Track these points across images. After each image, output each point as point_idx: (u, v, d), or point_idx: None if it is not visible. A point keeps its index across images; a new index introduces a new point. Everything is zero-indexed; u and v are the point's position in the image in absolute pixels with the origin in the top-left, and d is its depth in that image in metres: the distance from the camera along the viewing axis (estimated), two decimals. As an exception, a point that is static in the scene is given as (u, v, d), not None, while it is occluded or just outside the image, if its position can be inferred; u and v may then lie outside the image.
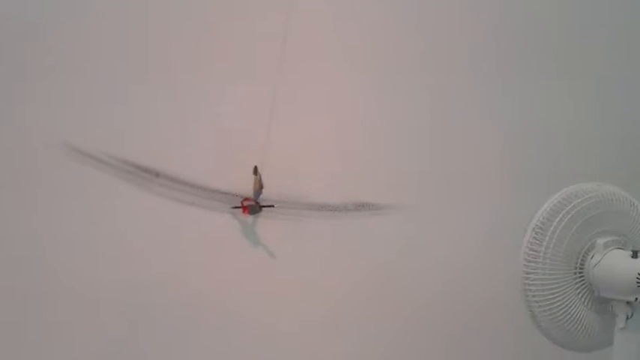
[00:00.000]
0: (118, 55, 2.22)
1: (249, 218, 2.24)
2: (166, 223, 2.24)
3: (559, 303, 1.51)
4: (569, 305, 1.51)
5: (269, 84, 2.25)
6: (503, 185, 2.35)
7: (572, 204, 1.54)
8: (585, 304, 1.53)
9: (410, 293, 2.35)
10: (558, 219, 1.53)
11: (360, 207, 2.30)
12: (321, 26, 2.28)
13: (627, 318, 1.48)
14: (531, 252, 1.51)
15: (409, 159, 2.35)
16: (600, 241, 1.54)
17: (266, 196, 2.25)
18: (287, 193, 2.27)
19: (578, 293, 1.53)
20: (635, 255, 1.48)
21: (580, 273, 1.54)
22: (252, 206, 2.21)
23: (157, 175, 2.22)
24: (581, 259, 1.54)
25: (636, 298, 1.46)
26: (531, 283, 1.50)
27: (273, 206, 2.18)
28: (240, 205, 2.21)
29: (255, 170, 2.19)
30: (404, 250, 2.31)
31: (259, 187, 2.20)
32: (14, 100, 2.17)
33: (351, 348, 2.31)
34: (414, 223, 2.32)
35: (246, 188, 2.25)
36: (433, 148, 2.33)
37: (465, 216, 2.31)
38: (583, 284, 1.54)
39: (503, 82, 2.38)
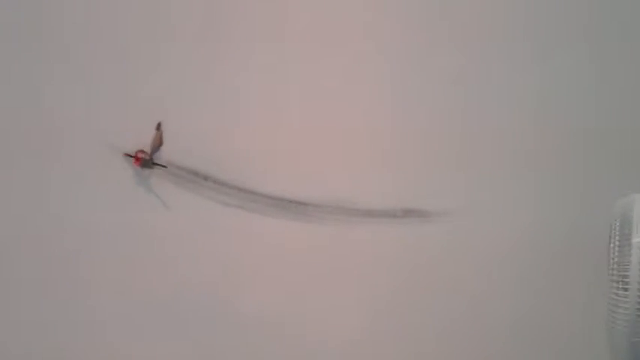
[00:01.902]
0: (131, 39, 2.24)
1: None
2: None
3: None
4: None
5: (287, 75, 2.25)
6: (552, 188, 2.26)
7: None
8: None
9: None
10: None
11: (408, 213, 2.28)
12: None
13: None
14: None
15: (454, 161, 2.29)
16: None
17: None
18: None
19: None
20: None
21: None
22: (145, 160, 2.17)
23: (206, 178, 2.25)
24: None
25: None
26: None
27: (165, 167, 2.14)
28: (133, 154, 2.18)
29: (159, 126, 2.16)
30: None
31: (159, 144, 2.18)
32: (65, 98, 2.22)
33: None
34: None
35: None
36: (477, 148, 2.26)
37: (512, 221, 2.24)
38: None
39: (546, 71, 2.28)
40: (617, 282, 1.30)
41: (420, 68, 2.31)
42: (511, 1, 2.29)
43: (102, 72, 2.24)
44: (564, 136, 2.25)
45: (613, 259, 1.31)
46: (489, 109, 2.29)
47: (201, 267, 2.24)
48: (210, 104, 2.29)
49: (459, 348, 2.28)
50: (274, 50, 2.32)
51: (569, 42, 2.27)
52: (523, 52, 2.28)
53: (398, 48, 2.31)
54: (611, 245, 1.34)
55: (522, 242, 2.25)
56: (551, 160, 2.27)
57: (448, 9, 2.30)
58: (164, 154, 2.23)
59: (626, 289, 1.26)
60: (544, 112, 2.25)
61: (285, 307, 2.27)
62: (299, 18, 2.31)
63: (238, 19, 2.29)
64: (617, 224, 1.36)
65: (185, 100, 2.28)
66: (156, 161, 2.24)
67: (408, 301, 2.28)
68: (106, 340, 2.26)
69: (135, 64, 2.26)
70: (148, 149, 2.25)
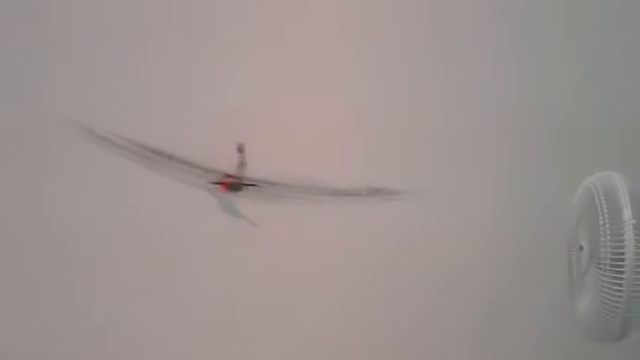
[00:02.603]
0: (130, 34, 2.17)
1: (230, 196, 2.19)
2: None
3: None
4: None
5: (278, 62, 2.22)
6: (524, 167, 2.32)
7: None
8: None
9: (417, 287, 2.32)
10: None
11: (373, 192, 2.29)
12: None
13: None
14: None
15: (425, 141, 2.32)
16: None
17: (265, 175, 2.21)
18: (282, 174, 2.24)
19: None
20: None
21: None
22: (233, 183, 2.13)
23: (170, 157, 2.20)
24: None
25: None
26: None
27: (255, 185, 2.12)
28: (219, 181, 2.14)
29: (241, 148, 2.13)
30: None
31: (242, 165, 2.14)
32: (23, 78, 2.13)
33: (358, 343, 2.30)
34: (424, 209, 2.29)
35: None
36: (449, 130, 2.30)
37: (483, 200, 2.29)
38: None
39: (523, 56, 2.33)
40: (609, 259, 1.34)
41: (399, 54, 2.32)
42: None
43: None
44: (535, 117, 2.31)
45: (604, 237, 1.35)
46: (466, 90, 2.32)
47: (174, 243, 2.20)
48: (183, 89, 2.24)
49: (432, 323, 2.33)
50: (248, 40, 2.28)
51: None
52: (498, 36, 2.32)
53: (381, 37, 2.30)
54: (601, 223, 1.37)
55: (493, 221, 2.31)
56: (522, 140, 2.33)
57: (434, 9, 2.31)
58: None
59: (620, 267, 1.31)
60: (519, 96, 2.30)
61: (256, 288, 2.26)
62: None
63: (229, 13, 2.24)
64: (604, 203, 1.39)
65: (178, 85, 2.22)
66: (245, 182, 2.16)
67: (376, 279, 2.30)
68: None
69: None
70: (228, 173, 2.17)
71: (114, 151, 2.10)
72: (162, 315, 2.14)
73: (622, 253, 1.28)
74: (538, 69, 2.24)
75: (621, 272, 1.28)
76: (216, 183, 2.10)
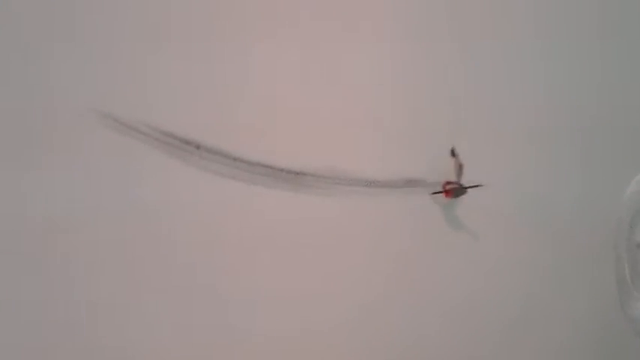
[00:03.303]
0: (158, 17, 2.07)
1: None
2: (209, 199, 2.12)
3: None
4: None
5: (308, 50, 2.13)
6: (567, 162, 2.23)
7: None
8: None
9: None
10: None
11: (409, 183, 2.20)
12: None
13: None
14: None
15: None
16: None
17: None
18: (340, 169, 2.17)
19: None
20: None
21: None
22: (456, 189, 2.08)
23: (199, 147, 2.11)
24: None
25: None
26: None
27: (479, 185, 2.06)
28: (441, 189, 2.09)
29: (453, 152, 2.07)
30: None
31: (460, 168, 2.08)
32: (40, 61, 2.03)
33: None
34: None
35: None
36: (491, 124, 2.21)
37: (523, 196, 2.20)
38: None
39: (563, 52, 2.24)
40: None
41: (423, 49, 2.22)
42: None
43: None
44: (570, 112, 2.22)
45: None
46: (497, 79, 2.23)
47: (197, 238, 2.12)
48: (208, 75, 2.15)
49: (466, 319, 2.26)
50: (272, 24, 2.19)
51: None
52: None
53: (401, 30, 2.21)
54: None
55: (529, 214, 2.23)
56: (557, 133, 2.24)
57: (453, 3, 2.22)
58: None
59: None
60: (552, 91, 2.21)
61: (285, 283, 2.18)
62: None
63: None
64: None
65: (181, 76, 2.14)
66: (465, 185, 2.11)
67: (414, 272, 2.24)
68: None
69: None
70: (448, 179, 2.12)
71: (141, 140, 2.00)
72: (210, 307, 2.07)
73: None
74: (580, 65, 2.15)
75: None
76: (438, 192, 2.05)
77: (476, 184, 2.05)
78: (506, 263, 2.25)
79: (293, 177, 2.15)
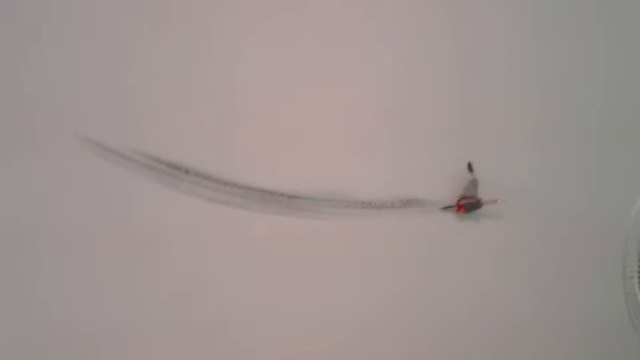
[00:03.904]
0: (144, 41, 2.02)
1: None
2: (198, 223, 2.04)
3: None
4: None
5: (298, 64, 2.09)
6: (578, 169, 2.18)
7: None
8: None
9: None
10: None
11: (406, 203, 2.13)
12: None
13: None
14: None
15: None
16: None
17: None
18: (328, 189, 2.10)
19: None
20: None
21: None
22: (471, 204, 2.01)
23: (187, 171, 2.03)
24: None
25: None
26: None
27: (496, 201, 2.00)
28: (454, 204, 2.02)
29: (470, 167, 2.01)
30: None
31: (475, 183, 2.02)
32: (23, 86, 1.97)
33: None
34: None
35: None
36: (495, 134, 2.15)
37: (530, 210, 2.14)
38: None
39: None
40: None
41: (420, 57, 2.18)
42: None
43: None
44: (581, 113, 2.18)
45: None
46: (497, 94, 2.19)
47: (189, 266, 2.04)
48: (199, 97, 2.09)
49: (467, 342, 2.18)
50: (264, 43, 2.14)
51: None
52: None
53: (398, 37, 2.17)
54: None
55: (530, 234, 2.17)
56: (560, 144, 2.19)
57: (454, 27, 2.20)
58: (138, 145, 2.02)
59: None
60: (562, 92, 2.17)
61: (280, 307, 2.10)
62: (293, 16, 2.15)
63: (228, 12, 2.10)
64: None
65: (174, 93, 2.08)
66: (482, 200, 2.05)
67: (412, 295, 2.16)
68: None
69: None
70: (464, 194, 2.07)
71: (125, 166, 1.92)
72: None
73: None
74: (590, 66, 2.11)
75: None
76: (449, 207, 1.97)
77: (495, 199, 1.99)
78: (511, 279, 2.18)
79: (287, 200, 2.08)
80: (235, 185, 2.04)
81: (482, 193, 2.14)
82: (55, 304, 1.97)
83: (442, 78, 2.17)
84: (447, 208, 2.02)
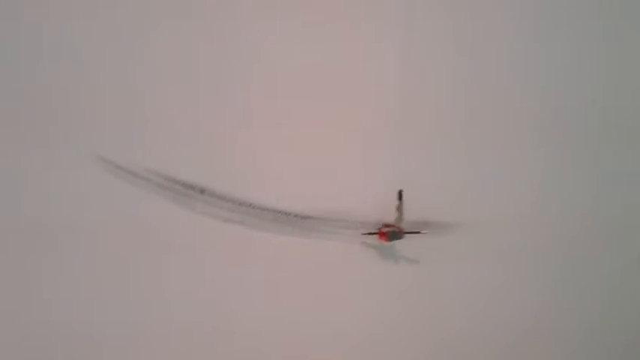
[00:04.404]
0: (158, 60, 2.01)
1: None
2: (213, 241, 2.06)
3: None
4: None
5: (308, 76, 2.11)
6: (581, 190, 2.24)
7: None
8: None
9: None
10: None
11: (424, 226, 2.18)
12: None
13: None
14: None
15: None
16: None
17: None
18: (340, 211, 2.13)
19: None
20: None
21: None
22: (393, 232, 2.01)
23: (203, 192, 2.04)
24: None
25: None
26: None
27: (419, 232, 2.02)
28: (375, 231, 2.03)
29: (400, 195, 2.02)
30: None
31: (401, 212, 2.04)
32: (46, 112, 1.95)
33: None
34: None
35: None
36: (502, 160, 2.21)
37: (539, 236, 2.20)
38: None
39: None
40: None
41: (431, 76, 2.20)
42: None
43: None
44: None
45: None
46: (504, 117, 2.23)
47: (202, 283, 2.05)
48: (208, 117, 2.09)
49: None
50: (280, 64, 2.15)
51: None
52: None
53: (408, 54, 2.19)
54: None
55: (545, 250, 2.22)
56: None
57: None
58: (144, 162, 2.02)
59: None
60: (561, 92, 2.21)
61: (292, 327, 2.13)
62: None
63: (247, 34, 2.10)
64: None
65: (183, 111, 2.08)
66: (406, 230, 2.03)
67: (423, 317, 2.21)
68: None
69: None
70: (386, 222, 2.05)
71: (139, 185, 1.92)
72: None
73: None
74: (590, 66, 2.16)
75: None
76: (372, 233, 1.97)
77: (416, 231, 2.04)
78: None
79: (300, 221, 2.11)
80: (250, 206, 2.04)
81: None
82: (60, 312, 1.97)
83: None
84: (369, 234, 2.06)
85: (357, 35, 2.16)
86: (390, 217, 2.06)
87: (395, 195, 2.12)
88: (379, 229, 2.07)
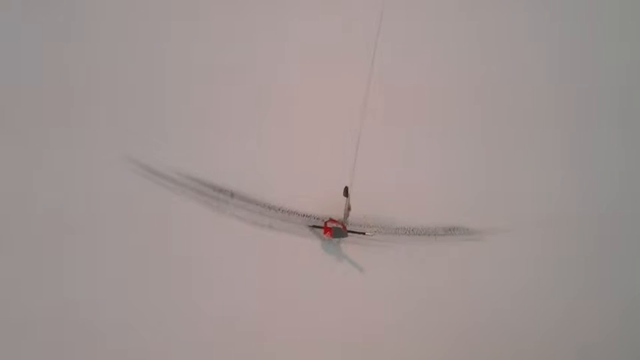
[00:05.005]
0: (194, 72, 2.13)
1: (333, 242, 2.00)
2: (242, 246, 2.03)
3: None
4: None
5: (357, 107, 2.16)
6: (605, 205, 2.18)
7: None
8: None
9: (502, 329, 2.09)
10: None
11: (451, 231, 2.11)
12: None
13: None
14: None
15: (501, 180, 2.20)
16: None
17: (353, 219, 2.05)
18: (373, 216, 2.09)
19: None
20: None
21: None
22: (338, 229, 1.96)
23: (232, 195, 2.05)
24: None
25: None
26: None
27: (363, 233, 1.95)
28: (321, 225, 1.97)
29: (346, 191, 1.99)
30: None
31: (348, 209, 1.99)
32: (79, 113, 2.05)
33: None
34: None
35: (332, 211, 2.07)
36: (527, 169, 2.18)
37: (564, 242, 2.11)
38: None
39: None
40: None
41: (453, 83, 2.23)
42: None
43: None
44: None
45: None
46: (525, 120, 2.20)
47: (234, 289, 2.00)
48: (243, 122, 2.16)
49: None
50: (302, 70, 2.25)
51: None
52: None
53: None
54: None
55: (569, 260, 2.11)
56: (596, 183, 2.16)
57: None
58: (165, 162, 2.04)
59: None
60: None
61: (326, 334, 2.02)
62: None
63: (267, 39, 2.21)
64: None
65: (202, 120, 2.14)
66: (350, 229, 2.04)
67: (455, 318, 2.08)
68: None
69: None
70: (333, 217, 2.05)
71: (170, 188, 1.95)
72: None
73: None
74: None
75: None
76: (317, 227, 1.94)
77: (360, 231, 1.96)
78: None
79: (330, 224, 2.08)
80: (279, 209, 2.03)
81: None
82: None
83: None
84: (314, 227, 1.97)
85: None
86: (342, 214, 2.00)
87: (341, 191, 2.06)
88: (325, 222, 2.02)
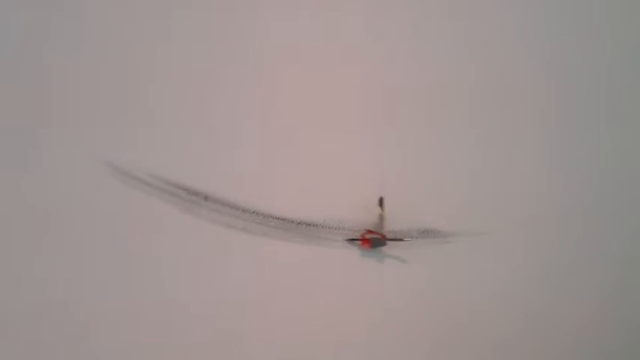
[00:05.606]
0: (166, 73, 2.10)
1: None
2: (216, 250, 2.02)
3: None
4: None
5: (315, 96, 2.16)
6: (577, 211, 2.21)
7: None
8: None
9: (476, 333, 2.11)
10: None
11: (426, 234, 2.12)
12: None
13: None
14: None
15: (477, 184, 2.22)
16: None
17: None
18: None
19: None
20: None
21: None
22: (376, 239, 1.98)
23: (206, 198, 2.04)
24: None
25: None
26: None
27: (402, 240, 1.98)
28: (359, 237, 1.99)
29: (381, 202, 2.01)
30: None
31: (382, 219, 2.02)
32: (55, 120, 2.03)
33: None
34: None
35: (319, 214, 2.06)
36: (501, 174, 2.21)
37: (535, 245, 2.14)
38: None
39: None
40: None
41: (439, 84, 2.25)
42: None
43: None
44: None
45: None
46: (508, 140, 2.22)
47: (207, 291, 1.99)
48: (218, 124, 2.15)
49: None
50: (286, 71, 2.24)
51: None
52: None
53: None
54: None
55: (540, 264, 2.15)
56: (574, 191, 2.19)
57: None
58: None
59: None
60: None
61: (298, 334, 2.02)
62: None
63: (250, 37, 2.21)
64: None
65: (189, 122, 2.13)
66: (389, 237, 2.04)
67: (427, 322, 2.09)
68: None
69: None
70: (369, 228, 2.05)
71: (143, 190, 1.93)
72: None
73: None
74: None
75: None
76: (355, 240, 1.95)
77: (399, 238, 1.99)
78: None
79: (305, 228, 2.08)
80: (254, 212, 2.03)
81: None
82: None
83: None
84: (352, 240, 1.99)
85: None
86: (375, 224, 2.02)
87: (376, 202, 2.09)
88: (362, 235, 2.04)
